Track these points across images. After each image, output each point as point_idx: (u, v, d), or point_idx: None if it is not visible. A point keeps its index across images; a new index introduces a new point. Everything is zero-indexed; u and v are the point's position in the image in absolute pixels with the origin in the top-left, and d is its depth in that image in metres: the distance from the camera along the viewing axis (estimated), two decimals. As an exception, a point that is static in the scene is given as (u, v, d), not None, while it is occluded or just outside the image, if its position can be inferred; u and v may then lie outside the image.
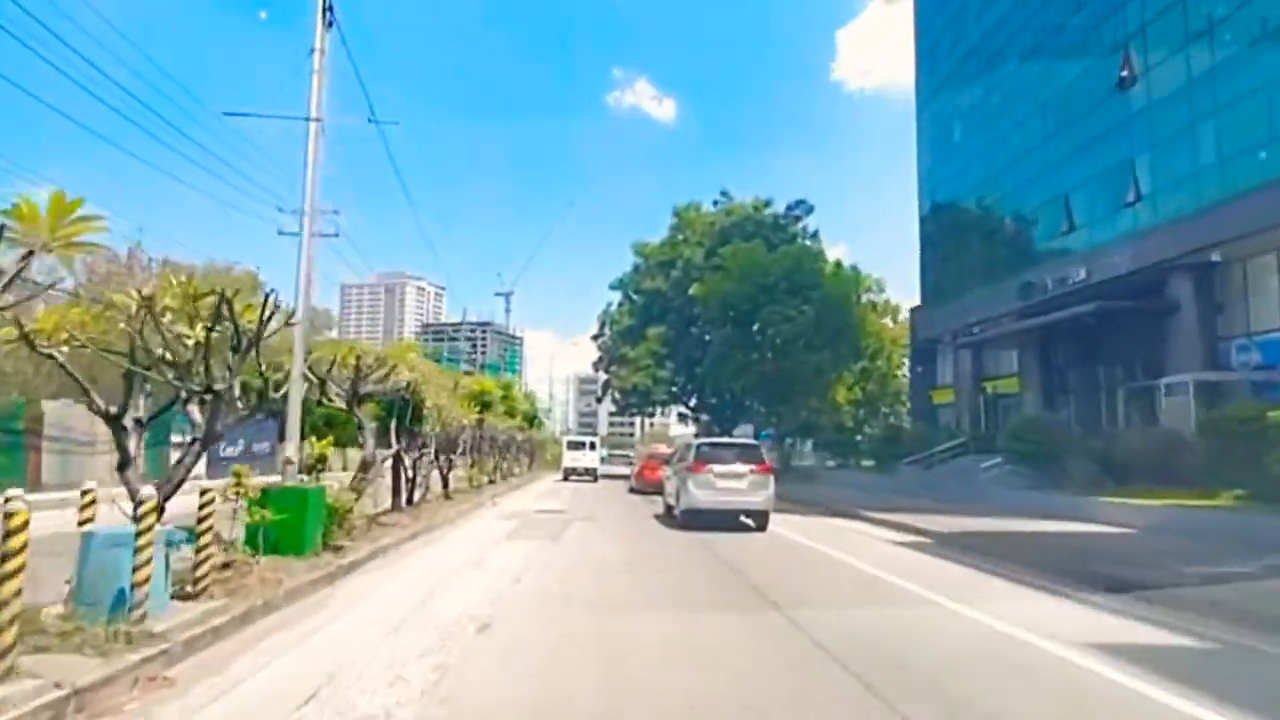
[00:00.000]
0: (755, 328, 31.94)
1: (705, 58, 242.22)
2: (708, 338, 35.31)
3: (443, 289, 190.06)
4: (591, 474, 31.44)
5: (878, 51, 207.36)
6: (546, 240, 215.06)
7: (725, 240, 35.56)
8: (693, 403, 43.80)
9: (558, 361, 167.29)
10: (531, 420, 39.52)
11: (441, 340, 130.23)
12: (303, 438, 9.29)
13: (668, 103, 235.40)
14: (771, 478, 12.98)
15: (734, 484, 12.56)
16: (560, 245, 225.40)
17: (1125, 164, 21.07)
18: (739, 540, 11.80)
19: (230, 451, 25.26)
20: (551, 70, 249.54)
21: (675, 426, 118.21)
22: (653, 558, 9.78)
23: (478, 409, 19.30)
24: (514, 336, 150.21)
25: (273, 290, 6.36)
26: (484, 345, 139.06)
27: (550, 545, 10.53)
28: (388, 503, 12.20)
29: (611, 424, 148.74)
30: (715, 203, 39.92)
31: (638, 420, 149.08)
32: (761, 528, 12.77)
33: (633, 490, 24.54)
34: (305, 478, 8.55)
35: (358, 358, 9.15)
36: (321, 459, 8.76)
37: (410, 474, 13.25)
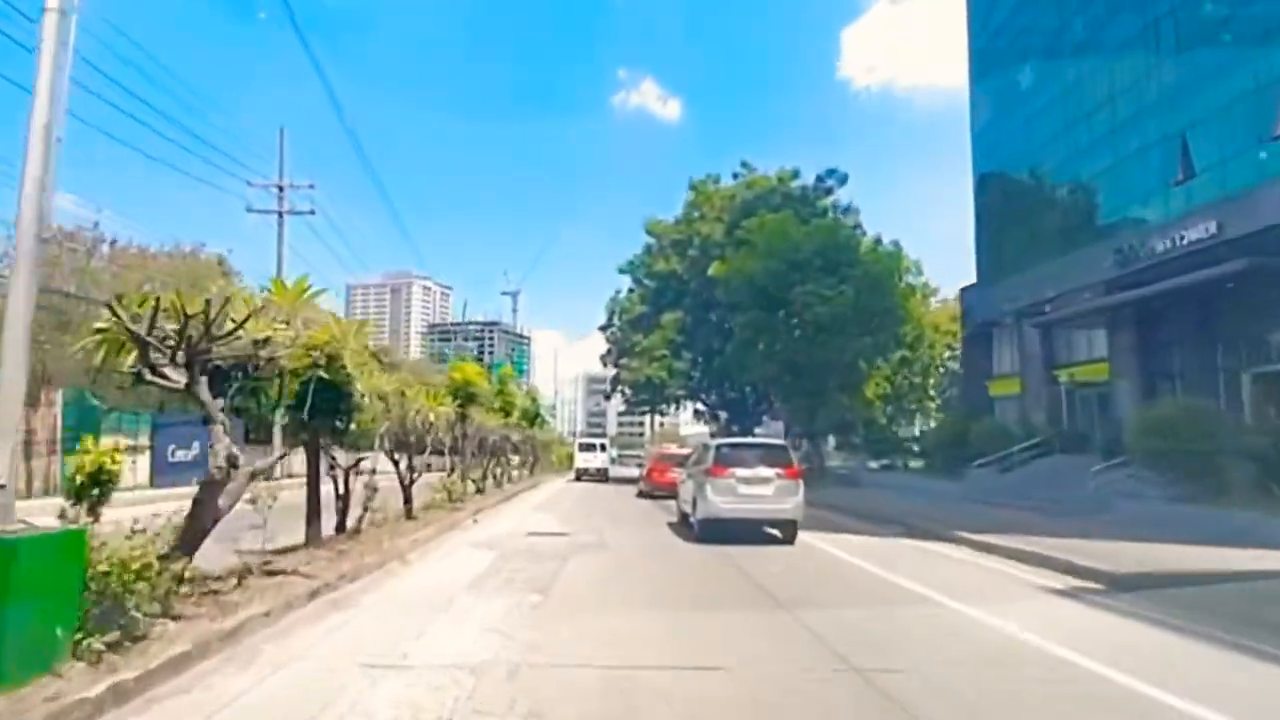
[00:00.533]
0: (784, 312, 27.94)
1: (710, 58, 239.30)
2: (728, 324, 31.25)
3: (449, 288, 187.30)
4: (603, 474, 32.19)
5: (884, 49, 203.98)
6: (554, 239, 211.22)
7: (748, 214, 31.51)
8: (711, 397, 39.81)
9: (566, 360, 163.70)
10: (533, 419, 35.72)
11: (449, 340, 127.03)
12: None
13: (673, 103, 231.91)
14: (800, 483, 11.50)
15: (759, 490, 11.14)
16: (567, 248, 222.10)
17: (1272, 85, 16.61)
18: (803, 582, 8.21)
19: (183, 455, 21.59)
20: (556, 72, 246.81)
21: (686, 426, 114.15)
22: (698, 638, 5.81)
23: (457, 402, 15.45)
24: (521, 336, 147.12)
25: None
26: (491, 345, 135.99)
27: (534, 606, 6.61)
28: (321, 531, 8.38)
29: (620, 424, 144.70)
30: (735, 175, 35.83)
31: (648, 419, 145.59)
32: (789, 539, 11.32)
33: (641, 494, 22.76)
34: (70, 508, 4.68)
35: (206, 303, 5.28)
36: (101, 479, 4.90)
37: (341, 489, 9.40)
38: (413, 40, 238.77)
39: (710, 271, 30.69)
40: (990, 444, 21.65)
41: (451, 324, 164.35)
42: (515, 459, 26.83)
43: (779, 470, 11.18)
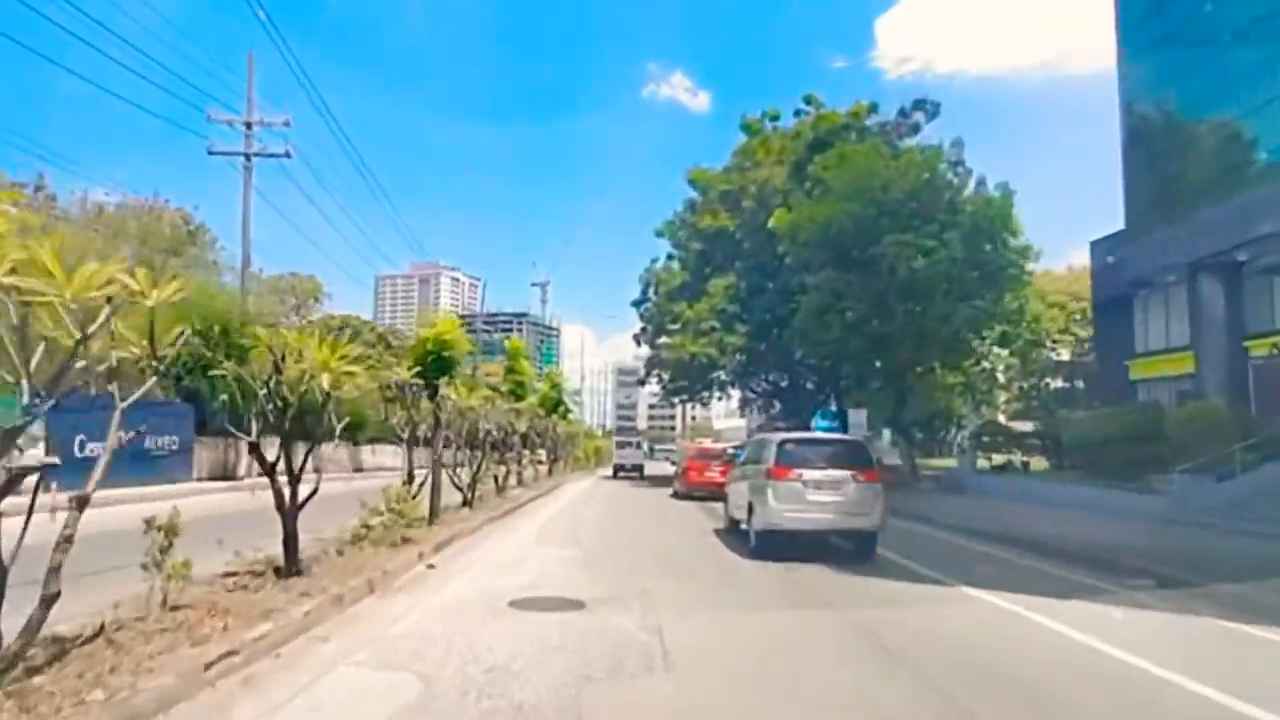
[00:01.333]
0: (868, 270, 21.83)
1: (740, 50, 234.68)
2: (794, 288, 25.10)
3: (478, 279, 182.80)
4: (639, 469, 33.26)
5: (918, 38, 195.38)
6: (578, 230, 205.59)
7: (819, 151, 25.30)
8: (763, 383, 33.72)
9: (595, 354, 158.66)
10: (555, 407, 30.18)
11: (475, 332, 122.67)
12: None
13: (703, 95, 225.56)
14: (880, 488, 9.51)
15: (831, 496, 9.26)
16: (596, 247, 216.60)
17: None
18: None
19: (94, 450, 16.54)
20: (586, 65, 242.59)
21: (721, 420, 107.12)
22: None
23: (414, 370, 9.90)
24: (550, 328, 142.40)
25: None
26: (520, 336, 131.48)
27: None
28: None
29: (651, 416, 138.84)
30: (797, 112, 29.44)
31: (679, 412, 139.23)
32: (867, 554, 9.38)
33: (677, 494, 20.68)
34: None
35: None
36: None
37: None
38: (442, 38, 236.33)
39: (770, 223, 24.63)
40: (1191, 440, 15.19)
41: (479, 314, 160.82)
42: (528, 454, 21.31)
43: (855, 473, 9.39)
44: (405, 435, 10.34)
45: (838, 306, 22.39)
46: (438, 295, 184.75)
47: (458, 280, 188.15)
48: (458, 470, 12.85)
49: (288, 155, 24.38)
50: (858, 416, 22.25)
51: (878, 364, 24.38)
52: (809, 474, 9.30)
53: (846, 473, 9.30)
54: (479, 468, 13.78)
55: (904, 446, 25.18)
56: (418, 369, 10.04)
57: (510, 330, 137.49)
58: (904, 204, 22.02)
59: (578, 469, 37.05)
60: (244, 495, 10.93)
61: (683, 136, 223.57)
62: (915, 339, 22.28)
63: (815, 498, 9.19)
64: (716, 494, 15.80)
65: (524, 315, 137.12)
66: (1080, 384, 35.87)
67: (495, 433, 15.38)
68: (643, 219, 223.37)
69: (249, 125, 24.14)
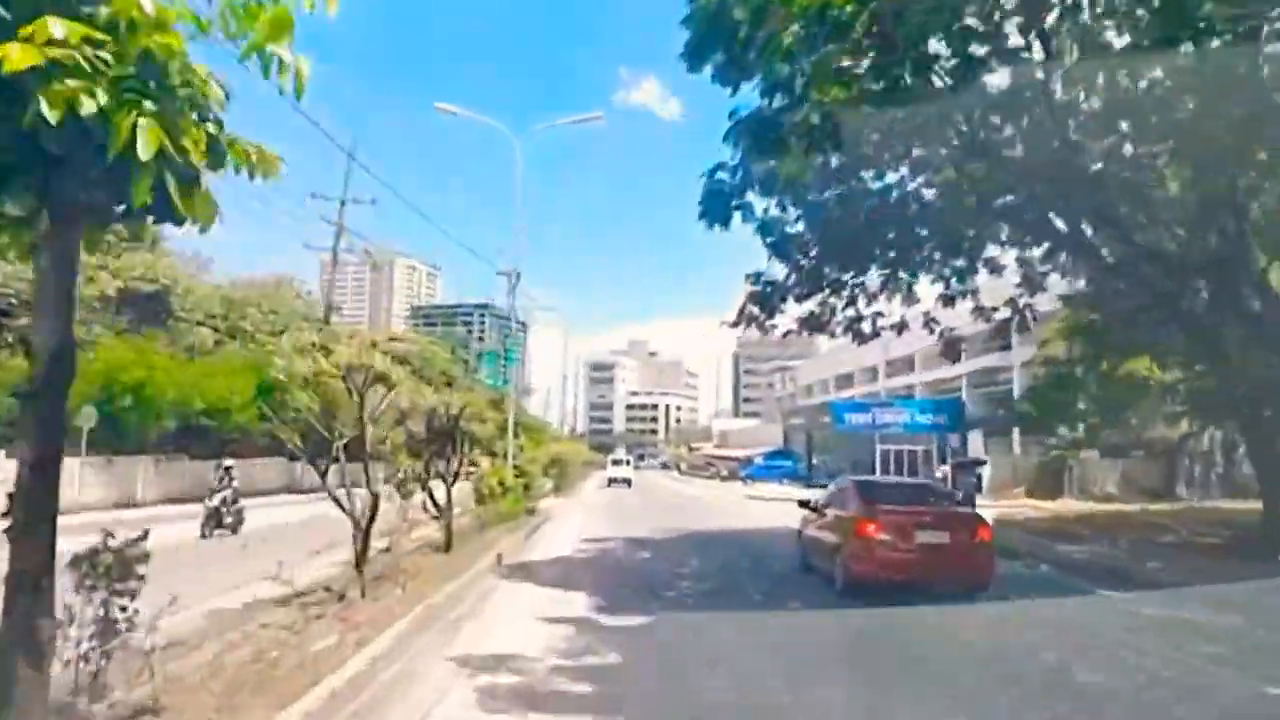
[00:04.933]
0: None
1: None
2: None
3: (437, 269, 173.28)
4: (627, 481, 39.51)
5: None
6: (546, 220, 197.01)
7: None
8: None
9: (566, 348, 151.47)
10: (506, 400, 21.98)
11: (434, 325, 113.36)
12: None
13: (674, 102, 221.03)
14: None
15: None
16: (567, 250, 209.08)
17: None
18: None
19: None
20: (556, 68, 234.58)
21: (720, 420, 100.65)
22: None
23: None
24: (518, 322, 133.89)
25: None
26: (482, 330, 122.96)
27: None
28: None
29: (630, 418, 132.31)
30: None
31: (661, 414, 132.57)
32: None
33: (807, 567, 10.24)
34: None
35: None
36: None
37: None
38: (413, 37, 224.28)
39: None
40: None
41: (438, 306, 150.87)
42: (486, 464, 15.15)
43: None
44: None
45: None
46: (391, 284, 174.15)
47: (414, 269, 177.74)
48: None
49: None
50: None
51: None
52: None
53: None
54: (450, 480, 8.06)
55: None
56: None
57: (470, 323, 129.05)
58: None
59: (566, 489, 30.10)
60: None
61: (654, 142, 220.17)
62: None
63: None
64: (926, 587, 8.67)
65: (486, 306, 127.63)
66: None
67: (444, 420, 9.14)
68: (615, 219, 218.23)
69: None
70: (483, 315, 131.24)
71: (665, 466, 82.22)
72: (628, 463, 45.01)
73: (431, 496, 9.20)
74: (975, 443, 29.47)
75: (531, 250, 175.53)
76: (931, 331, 13.81)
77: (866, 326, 13.45)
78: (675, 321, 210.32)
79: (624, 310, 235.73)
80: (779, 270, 12.39)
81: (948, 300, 13.11)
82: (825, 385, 56.10)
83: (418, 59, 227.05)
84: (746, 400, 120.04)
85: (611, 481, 40.35)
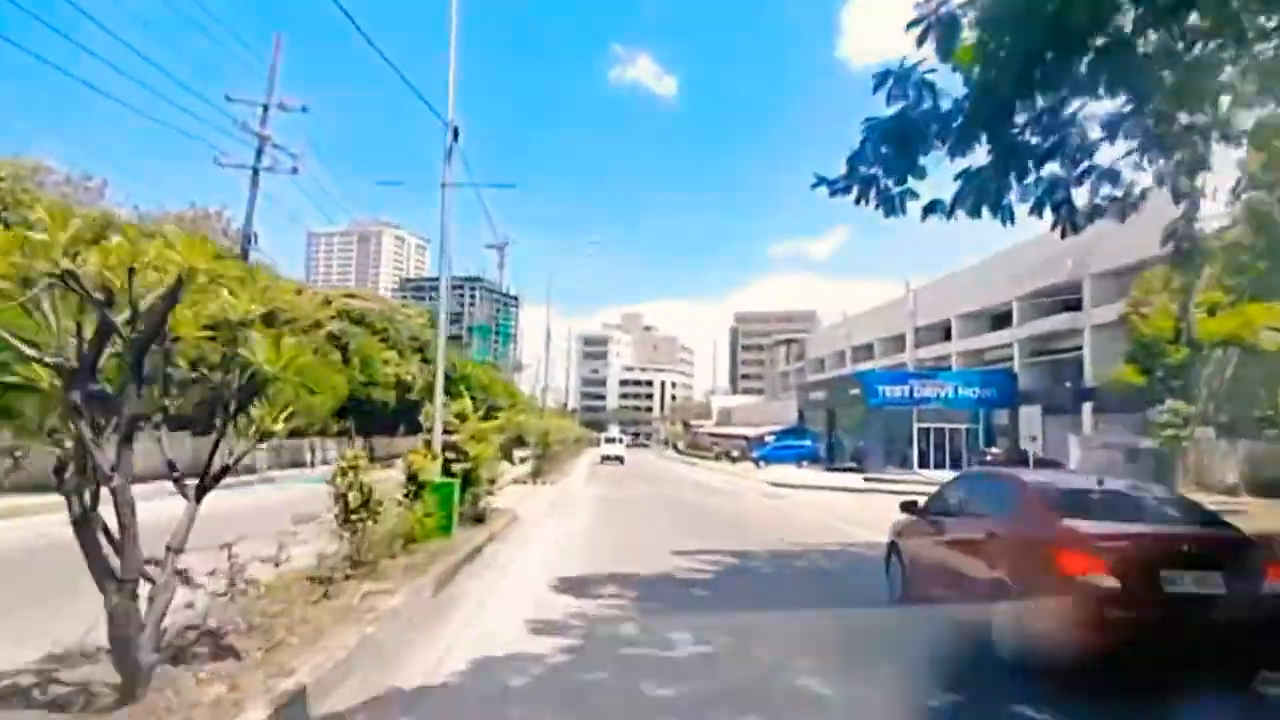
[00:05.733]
0: None
1: (709, 37, 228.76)
2: None
3: (426, 241, 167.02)
4: (620, 459, 42.01)
5: (882, 28, 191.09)
6: (533, 196, 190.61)
7: None
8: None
9: (557, 335, 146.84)
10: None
11: (422, 297, 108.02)
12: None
13: (668, 80, 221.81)
14: None
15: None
16: (557, 230, 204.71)
17: None
18: None
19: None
20: (551, 43, 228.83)
21: (720, 398, 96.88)
22: None
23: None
24: (508, 295, 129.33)
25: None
26: (473, 303, 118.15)
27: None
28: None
29: (624, 395, 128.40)
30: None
31: (657, 390, 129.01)
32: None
33: (904, 596, 6.71)
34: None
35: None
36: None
37: None
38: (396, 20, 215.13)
39: None
40: None
41: (426, 278, 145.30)
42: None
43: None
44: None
45: None
46: (379, 255, 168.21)
47: (402, 240, 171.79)
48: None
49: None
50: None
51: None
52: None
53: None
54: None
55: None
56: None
57: (462, 295, 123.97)
58: None
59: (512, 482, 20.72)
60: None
61: (649, 120, 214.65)
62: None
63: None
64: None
65: (478, 280, 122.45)
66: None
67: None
68: (608, 201, 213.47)
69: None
70: (473, 288, 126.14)
71: (666, 444, 78.65)
72: (620, 441, 47.72)
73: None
74: (1030, 420, 25.45)
75: (525, 233, 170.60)
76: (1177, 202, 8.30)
77: (1082, 197, 7.42)
78: (671, 302, 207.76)
79: (617, 295, 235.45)
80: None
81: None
82: (841, 358, 52.00)
83: (406, 57, 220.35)
84: (744, 377, 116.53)
85: (605, 459, 42.25)
